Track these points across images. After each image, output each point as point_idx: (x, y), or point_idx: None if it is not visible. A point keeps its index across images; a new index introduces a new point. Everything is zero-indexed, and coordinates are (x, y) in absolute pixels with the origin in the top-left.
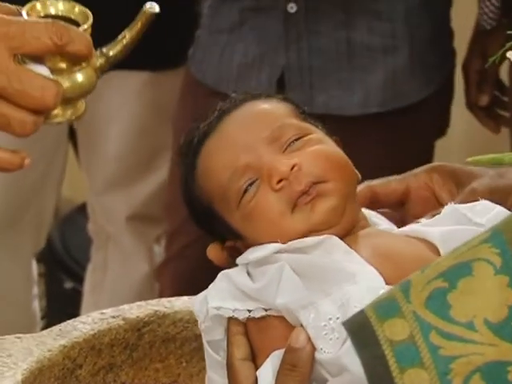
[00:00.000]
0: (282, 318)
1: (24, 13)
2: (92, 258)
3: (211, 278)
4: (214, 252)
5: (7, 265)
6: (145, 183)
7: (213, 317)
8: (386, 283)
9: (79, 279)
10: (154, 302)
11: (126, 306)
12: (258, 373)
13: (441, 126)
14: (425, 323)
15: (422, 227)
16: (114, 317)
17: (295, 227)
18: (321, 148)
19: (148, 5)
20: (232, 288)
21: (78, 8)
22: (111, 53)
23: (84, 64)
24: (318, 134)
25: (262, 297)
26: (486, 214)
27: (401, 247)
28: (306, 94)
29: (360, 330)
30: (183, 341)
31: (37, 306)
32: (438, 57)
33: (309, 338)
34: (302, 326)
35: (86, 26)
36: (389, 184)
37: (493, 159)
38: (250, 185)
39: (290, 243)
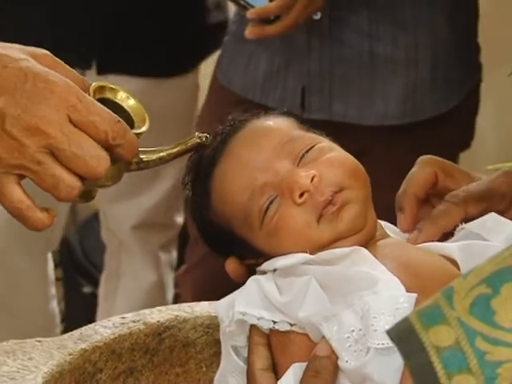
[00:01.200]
0: (304, 336)
1: (91, 90)
2: (105, 266)
3: (231, 287)
4: (232, 266)
5: (20, 261)
6: (151, 192)
7: (237, 321)
8: (407, 291)
9: (98, 284)
10: (175, 306)
11: (146, 311)
12: (279, 383)
13: (465, 138)
14: (470, 329)
15: (439, 243)
16: (134, 321)
17: (322, 237)
18: (334, 155)
19: (199, 134)
20: (261, 295)
21: (142, 111)
22: (145, 159)
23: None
24: (326, 142)
25: (288, 311)
26: (499, 231)
27: (422, 258)
28: (325, 101)
29: (406, 337)
30: (203, 346)
31: (55, 307)
32: (460, 71)
33: (333, 351)
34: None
35: (142, 130)
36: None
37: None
38: (271, 203)
39: (318, 254)
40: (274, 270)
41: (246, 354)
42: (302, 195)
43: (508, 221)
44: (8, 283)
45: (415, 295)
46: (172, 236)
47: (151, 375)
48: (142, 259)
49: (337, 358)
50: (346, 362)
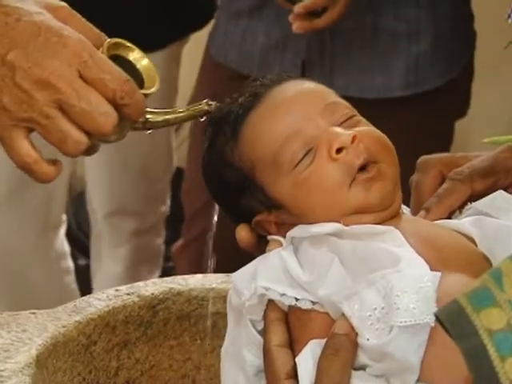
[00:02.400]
0: (325, 315)
1: (105, 46)
2: (91, 248)
3: (228, 262)
4: (243, 233)
5: (14, 238)
6: (120, 181)
7: (259, 296)
8: (431, 269)
9: None
10: (169, 279)
11: (140, 283)
12: (297, 360)
13: (461, 107)
14: None
15: (448, 220)
16: (128, 294)
17: (350, 202)
18: (372, 129)
19: (207, 101)
20: (284, 271)
21: (153, 73)
22: (151, 119)
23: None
24: (361, 117)
25: (311, 289)
26: (508, 209)
27: (441, 233)
28: (325, 76)
29: (457, 320)
30: (198, 318)
31: (71, 281)
32: (459, 41)
33: (352, 327)
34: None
35: (151, 91)
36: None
37: (509, 140)
38: (306, 153)
39: (352, 227)
40: (292, 241)
41: (260, 327)
42: (339, 151)
43: None
44: (13, 263)
45: (439, 274)
46: (152, 223)
47: (145, 348)
48: (113, 247)
49: (356, 335)
50: (368, 340)
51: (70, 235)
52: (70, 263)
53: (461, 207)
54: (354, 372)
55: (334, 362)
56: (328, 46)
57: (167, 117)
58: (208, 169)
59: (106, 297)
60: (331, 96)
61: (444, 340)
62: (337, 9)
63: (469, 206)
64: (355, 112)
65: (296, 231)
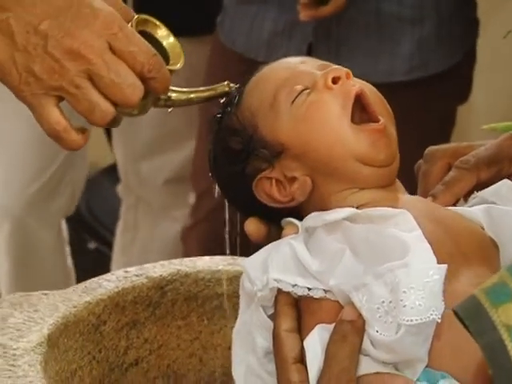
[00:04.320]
0: (336, 303)
1: (134, 21)
2: (122, 218)
3: (236, 243)
4: (252, 226)
5: (40, 232)
6: (181, 148)
7: (272, 288)
8: (438, 261)
9: (102, 240)
10: (177, 261)
11: (149, 265)
12: (304, 343)
13: (464, 92)
14: None
15: (457, 207)
16: (137, 275)
17: (354, 147)
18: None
19: (228, 83)
20: (295, 260)
21: (178, 50)
22: (173, 97)
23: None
24: None
25: (322, 278)
26: None
27: (452, 216)
28: (331, 61)
29: (475, 316)
30: (205, 299)
31: (71, 265)
32: (462, 27)
33: (359, 314)
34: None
35: (176, 67)
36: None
37: (507, 126)
38: (303, 90)
39: (364, 210)
40: (307, 229)
41: (270, 312)
42: (335, 82)
43: None
44: (27, 248)
45: (445, 266)
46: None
47: (154, 327)
48: (167, 212)
49: (363, 322)
50: (377, 331)
51: (80, 220)
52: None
53: (466, 195)
54: (361, 357)
55: (342, 347)
56: (334, 31)
57: (189, 96)
58: (214, 152)
59: (116, 278)
60: (325, 61)
61: (454, 329)
62: None
63: (474, 194)
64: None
65: (310, 220)
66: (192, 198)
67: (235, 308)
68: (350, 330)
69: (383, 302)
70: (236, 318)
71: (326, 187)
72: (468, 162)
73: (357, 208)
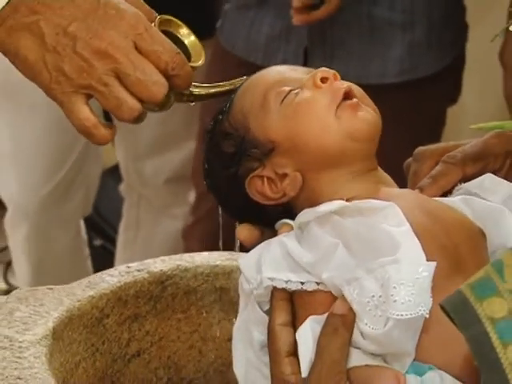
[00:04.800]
0: (329, 294)
1: (157, 21)
2: (124, 216)
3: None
4: (244, 232)
5: (58, 232)
6: (181, 147)
7: (266, 286)
8: (430, 257)
9: (107, 237)
10: (177, 256)
11: (150, 261)
12: (297, 335)
13: (453, 94)
14: None
15: (441, 198)
16: (139, 270)
17: (340, 127)
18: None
19: (246, 78)
20: (286, 257)
21: (199, 48)
22: (196, 92)
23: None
24: None
25: (314, 270)
26: (495, 191)
27: (441, 207)
28: (326, 63)
29: (461, 309)
30: (203, 293)
31: (89, 265)
32: (452, 32)
33: (350, 308)
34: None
35: (198, 64)
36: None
37: (494, 126)
38: (292, 90)
39: (354, 202)
40: (300, 226)
41: (265, 308)
42: (323, 82)
43: (504, 181)
44: (45, 249)
45: (434, 263)
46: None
47: (155, 320)
48: (168, 210)
49: (354, 315)
50: (366, 324)
51: (87, 218)
52: (87, 249)
53: (452, 189)
54: (351, 349)
55: (334, 340)
56: (328, 35)
57: (210, 91)
58: (209, 155)
59: (118, 273)
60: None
61: (440, 324)
62: (333, 1)
63: (459, 186)
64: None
65: (302, 216)
66: (192, 197)
67: (232, 301)
68: (341, 324)
69: (373, 296)
70: (233, 312)
71: (315, 181)
72: (454, 157)
73: (346, 201)
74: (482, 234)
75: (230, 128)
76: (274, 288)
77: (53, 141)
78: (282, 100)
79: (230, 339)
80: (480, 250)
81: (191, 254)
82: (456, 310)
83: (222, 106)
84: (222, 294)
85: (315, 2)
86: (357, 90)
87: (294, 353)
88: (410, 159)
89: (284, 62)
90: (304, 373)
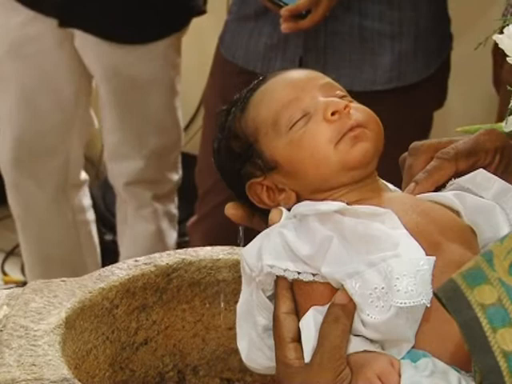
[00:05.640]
0: (326, 284)
1: None
2: (116, 214)
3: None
4: (231, 209)
5: (35, 191)
6: (140, 155)
7: (267, 273)
8: (426, 254)
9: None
10: (182, 251)
11: (157, 255)
12: (300, 324)
13: (439, 99)
14: (510, 288)
15: (434, 193)
16: (146, 264)
17: (335, 157)
18: (363, 106)
19: None
20: (285, 247)
21: None
22: None
23: None
24: None
25: (311, 263)
26: (487, 186)
27: (434, 208)
28: (320, 71)
29: (453, 296)
30: (207, 285)
31: (89, 230)
32: (437, 42)
33: (350, 298)
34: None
35: None
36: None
37: (479, 128)
38: (303, 116)
39: (353, 206)
40: (295, 216)
41: (268, 294)
42: (334, 114)
43: (495, 177)
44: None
45: (434, 258)
46: (167, 190)
47: (161, 311)
48: (138, 211)
49: (353, 305)
50: (368, 315)
51: (98, 214)
52: (89, 216)
53: (445, 183)
54: (351, 337)
55: (334, 328)
56: (321, 45)
57: None
58: (218, 144)
59: (127, 266)
60: (326, 78)
61: (438, 315)
62: (319, 11)
63: (452, 181)
64: (347, 94)
65: (302, 208)
66: (149, 198)
67: (234, 293)
68: (342, 313)
69: (376, 288)
70: (234, 303)
71: (312, 197)
72: (448, 154)
73: (347, 204)
74: (472, 232)
75: (240, 131)
76: (278, 277)
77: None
78: (292, 126)
79: (231, 328)
80: (471, 243)
81: (195, 249)
82: (448, 297)
83: (236, 98)
84: (224, 286)
85: (301, 12)
86: (363, 114)
87: (297, 339)
88: (406, 154)
89: (281, 69)
90: (307, 358)
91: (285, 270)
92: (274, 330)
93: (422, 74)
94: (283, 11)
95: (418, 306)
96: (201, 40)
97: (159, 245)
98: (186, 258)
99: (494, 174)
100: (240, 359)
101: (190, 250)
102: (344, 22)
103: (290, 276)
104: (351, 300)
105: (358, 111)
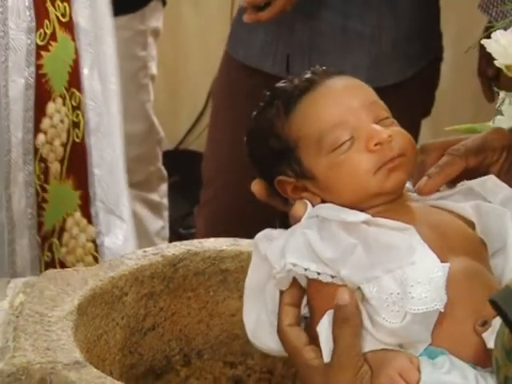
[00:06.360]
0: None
1: None
2: None
3: (241, 221)
4: (258, 186)
5: None
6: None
7: (288, 271)
8: (441, 261)
9: None
10: (188, 242)
11: (164, 245)
12: (317, 329)
13: (425, 106)
14: None
15: (452, 203)
16: (154, 254)
17: (371, 187)
18: (403, 130)
19: None
20: (308, 248)
21: None
22: None
23: None
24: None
25: (333, 266)
26: (496, 192)
27: (447, 221)
28: (305, 68)
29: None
30: (211, 274)
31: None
32: (420, 43)
33: (352, 296)
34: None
35: None
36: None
37: (468, 128)
38: (348, 140)
39: (377, 219)
40: (316, 216)
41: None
42: (376, 145)
43: (504, 184)
44: None
45: (448, 265)
46: (142, 178)
47: (168, 298)
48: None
49: (356, 302)
50: (383, 318)
51: None
52: None
53: (455, 181)
54: (369, 336)
55: (345, 328)
56: (306, 44)
57: None
58: (254, 133)
59: (136, 256)
60: (373, 96)
61: (452, 317)
62: (278, 3)
63: (463, 182)
64: (390, 114)
65: (325, 212)
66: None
67: (236, 281)
68: (350, 313)
69: (392, 293)
70: (237, 291)
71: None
72: (458, 150)
73: (371, 215)
74: (483, 244)
75: (282, 133)
76: (281, 293)
77: None
78: (335, 149)
79: (233, 315)
80: (481, 256)
81: (200, 240)
82: (506, 303)
83: (280, 88)
84: (227, 275)
85: (259, 4)
86: (403, 141)
87: (309, 343)
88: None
89: (273, 66)
90: (326, 359)
91: (306, 270)
92: (284, 344)
93: (399, 76)
94: (242, 2)
95: (432, 311)
96: (207, 41)
97: (139, 229)
98: (192, 248)
99: (500, 170)
100: (242, 344)
101: (195, 241)
102: (327, 23)
103: (310, 275)
104: (353, 297)
105: (399, 138)
